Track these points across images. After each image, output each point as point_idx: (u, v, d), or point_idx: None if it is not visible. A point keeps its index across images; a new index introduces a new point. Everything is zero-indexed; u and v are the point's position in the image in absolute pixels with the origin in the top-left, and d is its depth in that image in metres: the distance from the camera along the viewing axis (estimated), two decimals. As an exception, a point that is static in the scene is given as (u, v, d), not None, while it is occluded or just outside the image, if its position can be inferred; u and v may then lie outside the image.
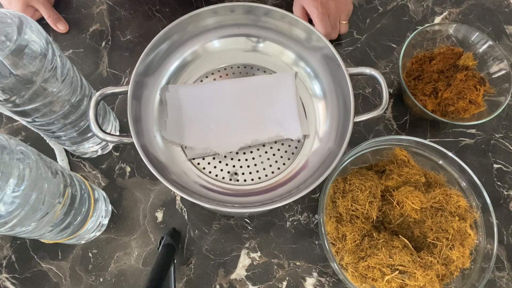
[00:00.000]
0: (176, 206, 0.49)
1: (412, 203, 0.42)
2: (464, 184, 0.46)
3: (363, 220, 0.42)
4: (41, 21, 0.56)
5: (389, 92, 0.56)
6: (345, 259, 0.42)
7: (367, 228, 0.43)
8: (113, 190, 0.49)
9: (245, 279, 0.46)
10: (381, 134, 0.54)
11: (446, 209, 0.42)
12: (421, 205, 0.42)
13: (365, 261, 0.40)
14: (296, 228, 0.49)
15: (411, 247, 0.41)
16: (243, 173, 0.41)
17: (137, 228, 0.48)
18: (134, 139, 0.35)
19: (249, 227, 0.48)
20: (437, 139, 0.54)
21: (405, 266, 0.39)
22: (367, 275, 0.41)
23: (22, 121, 0.40)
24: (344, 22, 0.56)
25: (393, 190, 0.44)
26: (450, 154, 0.45)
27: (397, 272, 0.39)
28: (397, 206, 0.43)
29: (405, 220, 0.43)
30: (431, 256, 0.41)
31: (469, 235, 0.42)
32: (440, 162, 0.47)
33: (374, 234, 0.42)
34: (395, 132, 0.54)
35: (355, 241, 0.42)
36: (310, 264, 0.47)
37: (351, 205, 0.42)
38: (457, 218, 0.42)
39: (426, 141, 0.46)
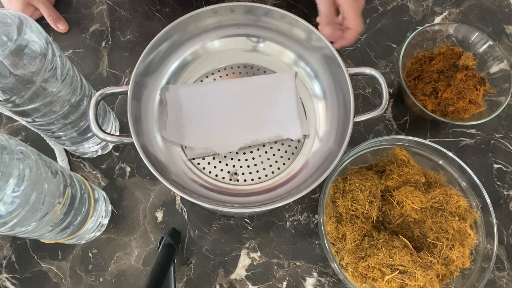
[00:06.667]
0: (176, 206, 0.49)
1: (412, 203, 0.42)
2: (464, 184, 0.46)
3: (363, 220, 0.42)
4: (41, 21, 0.56)
5: (389, 92, 0.56)
6: (345, 259, 0.42)
7: (367, 228, 0.43)
8: (113, 190, 0.49)
9: (245, 279, 0.46)
10: (381, 134, 0.54)
11: (446, 209, 0.43)
12: (421, 205, 0.42)
13: (365, 261, 0.40)
14: (296, 228, 0.49)
15: (411, 247, 0.41)
16: (243, 173, 0.41)
17: (137, 228, 0.48)
18: (134, 139, 0.35)
19: (249, 227, 0.48)
20: (437, 139, 0.54)
21: (405, 266, 0.39)
22: (367, 275, 0.41)
23: (22, 121, 0.40)
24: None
25: (393, 190, 0.44)
26: (450, 154, 0.45)
27: (397, 272, 0.39)
28: (397, 206, 0.43)
29: (405, 220, 0.43)
30: (431, 256, 0.41)
31: (469, 235, 0.42)
32: (440, 162, 0.47)
33: (374, 234, 0.42)
34: (395, 132, 0.54)
35: (355, 241, 0.42)
36: (310, 264, 0.47)
37: (351, 205, 0.42)
38: (457, 218, 0.42)
39: (426, 141, 0.46)
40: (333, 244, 0.43)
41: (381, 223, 0.45)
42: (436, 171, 0.47)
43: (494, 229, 0.42)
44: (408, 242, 0.41)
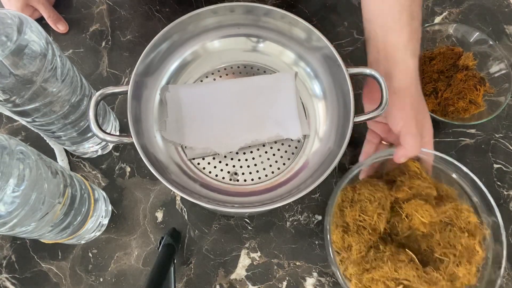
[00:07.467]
0: (176, 206, 0.49)
1: (422, 217, 0.40)
2: (477, 200, 0.44)
3: (370, 232, 0.41)
4: (41, 21, 0.56)
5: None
6: (349, 269, 0.41)
7: (374, 239, 0.42)
8: (113, 190, 0.49)
9: (245, 279, 0.46)
10: (381, 134, 0.54)
11: (456, 224, 0.41)
12: (430, 219, 0.41)
13: (370, 273, 0.40)
14: (296, 228, 0.49)
15: (417, 261, 0.40)
16: (243, 173, 0.41)
17: (137, 228, 0.48)
18: (134, 139, 0.35)
19: (249, 227, 0.48)
20: (437, 139, 0.54)
21: (410, 281, 0.38)
22: (370, 287, 0.40)
23: (22, 121, 0.40)
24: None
25: (403, 202, 0.43)
26: (464, 168, 0.43)
27: (402, 286, 0.38)
28: (406, 219, 0.42)
29: (413, 233, 0.42)
30: (436, 272, 0.39)
31: (477, 252, 0.40)
32: (453, 175, 0.45)
33: (381, 246, 0.41)
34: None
35: (361, 252, 0.41)
36: (310, 264, 0.47)
37: (359, 215, 0.41)
38: (466, 235, 0.41)
39: (440, 154, 0.44)
40: (337, 252, 0.42)
41: (388, 234, 0.44)
42: (448, 183, 0.46)
43: (503, 252, 0.41)
44: (414, 257, 0.40)
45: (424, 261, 0.42)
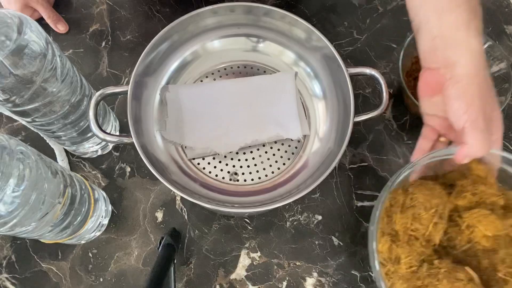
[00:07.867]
0: (176, 206, 0.49)
1: (485, 229, 0.35)
2: None
3: (423, 243, 0.36)
4: (41, 21, 0.56)
5: (389, 92, 0.56)
6: (397, 285, 0.36)
7: (428, 252, 0.36)
8: (113, 190, 0.49)
9: (245, 279, 0.46)
10: (381, 134, 0.54)
11: None
12: (495, 232, 0.35)
13: None
14: (296, 228, 0.49)
15: (478, 281, 0.35)
16: (243, 173, 0.41)
17: (137, 228, 0.48)
18: (134, 139, 0.35)
19: (249, 227, 0.48)
20: (437, 139, 0.54)
21: None
22: None
23: (22, 121, 0.40)
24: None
25: (464, 211, 0.37)
26: None
27: None
28: (466, 230, 0.36)
29: (473, 246, 0.37)
30: None
31: None
32: None
33: (435, 261, 0.36)
34: (395, 132, 0.54)
35: (411, 267, 0.36)
36: (310, 264, 0.47)
37: (411, 223, 0.36)
38: None
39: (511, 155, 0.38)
40: (382, 264, 0.37)
41: (443, 247, 0.38)
42: None
43: None
44: (476, 276, 0.35)
45: (484, 281, 0.36)
